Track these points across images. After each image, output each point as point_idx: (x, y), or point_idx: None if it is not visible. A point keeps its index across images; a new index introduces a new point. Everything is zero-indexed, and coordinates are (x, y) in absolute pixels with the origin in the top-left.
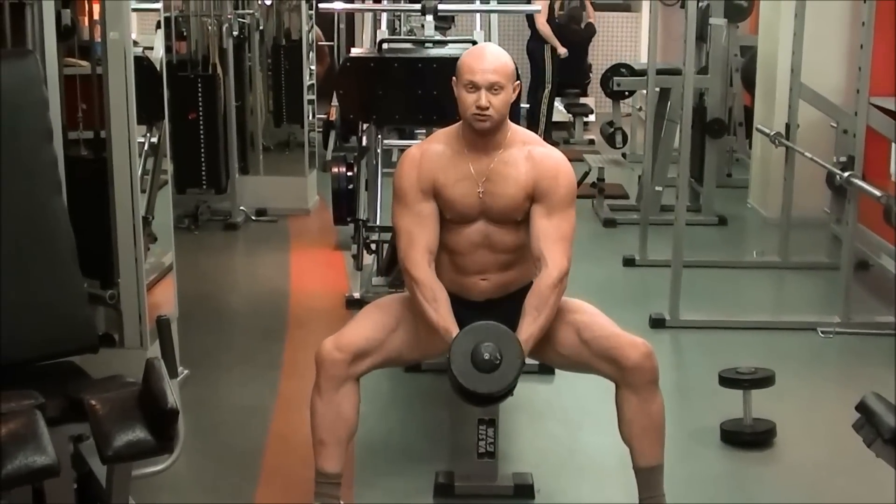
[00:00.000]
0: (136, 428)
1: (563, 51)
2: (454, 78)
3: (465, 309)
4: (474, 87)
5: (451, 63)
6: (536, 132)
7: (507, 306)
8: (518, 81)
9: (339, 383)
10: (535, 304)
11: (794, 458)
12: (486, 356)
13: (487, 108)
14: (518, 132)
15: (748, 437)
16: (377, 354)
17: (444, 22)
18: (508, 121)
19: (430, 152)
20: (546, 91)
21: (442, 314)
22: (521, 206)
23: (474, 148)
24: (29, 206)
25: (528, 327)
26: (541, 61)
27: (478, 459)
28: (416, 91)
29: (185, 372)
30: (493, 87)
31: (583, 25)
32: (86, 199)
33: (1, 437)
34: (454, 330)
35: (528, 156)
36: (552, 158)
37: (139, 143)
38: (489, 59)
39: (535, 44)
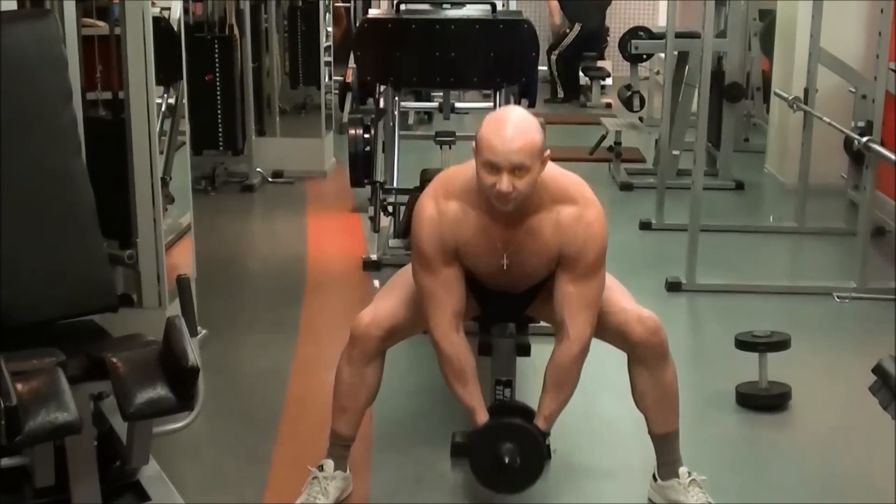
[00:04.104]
0: (157, 385)
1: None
2: (473, 147)
3: (485, 293)
4: (495, 168)
5: (469, 25)
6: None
7: (529, 290)
8: (548, 153)
9: (370, 358)
10: (557, 380)
11: (809, 420)
12: (507, 459)
13: (511, 193)
14: (548, 188)
15: (763, 400)
16: (410, 330)
17: None
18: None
19: (448, 213)
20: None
21: (468, 391)
22: (546, 273)
23: (497, 213)
24: (50, 167)
25: (551, 404)
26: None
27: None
28: (433, 53)
29: (204, 332)
30: (516, 169)
31: None
32: (104, 160)
33: (23, 395)
34: (479, 410)
35: (555, 222)
36: (581, 223)
37: (157, 104)
38: (512, 135)
39: None
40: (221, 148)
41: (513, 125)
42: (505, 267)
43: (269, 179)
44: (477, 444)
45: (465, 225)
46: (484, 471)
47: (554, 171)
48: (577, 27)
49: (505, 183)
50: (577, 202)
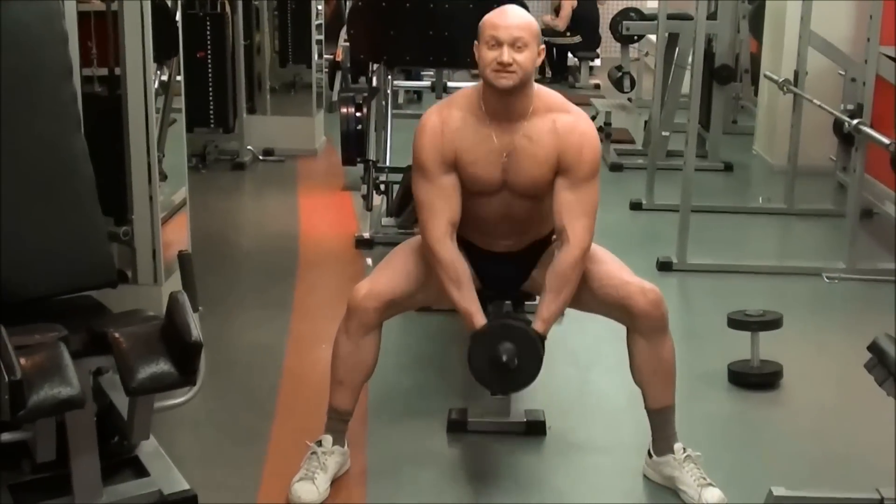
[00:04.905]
0: (159, 361)
1: None
2: (476, 41)
3: (482, 258)
4: (497, 42)
5: (463, 4)
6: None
7: (525, 256)
8: (543, 45)
9: (367, 330)
10: (557, 282)
11: (800, 398)
12: (504, 358)
13: (511, 64)
14: (542, 97)
15: (755, 379)
16: (407, 303)
17: None
18: (534, 85)
19: (450, 121)
20: None
21: (465, 295)
22: (544, 181)
23: (496, 116)
24: (51, 142)
25: (550, 306)
26: None
27: (491, 397)
28: (427, 31)
29: (200, 309)
30: (516, 43)
31: None
32: (99, 137)
33: (27, 369)
34: (476, 313)
35: (552, 128)
36: (577, 130)
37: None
38: (513, 15)
39: None
40: (212, 126)
41: (512, 9)
42: (504, 169)
43: (260, 157)
44: (476, 344)
45: (466, 130)
46: (482, 371)
47: (547, 89)
48: (577, 39)
49: (506, 54)
50: (571, 112)
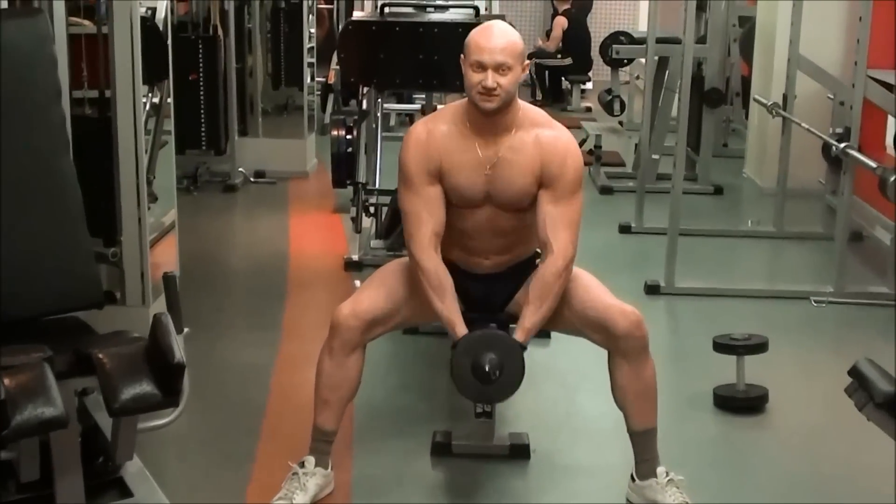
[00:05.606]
0: (143, 382)
1: None
2: (462, 56)
3: (467, 279)
4: (481, 66)
5: (452, 28)
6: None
7: (508, 277)
8: (527, 62)
9: (351, 349)
10: (540, 293)
11: (786, 422)
12: (487, 368)
13: (495, 89)
14: (528, 112)
15: (741, 402)
16: (390, 322)
17: None
18: (518, 101)
19: (436, 133)
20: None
21: (447, 305)
22: (528, 194)
23: (482, 130)
24: (39, 164)
25: (532, 316)
26: None
27: (475, 420)
28: (417, 55)
29: (186, 330)
30: (500, 68)
31: None
32: (89, 159)
33: (11, 389)
34: (458, 323)
35: (536, 140)
36: (561, 143)
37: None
38: (497, 38)
39: None
40: (204, 147)
41: (498, 30)
42: (488, 180)
43: (251, 179)
44: (459, 353)
45: (451, 141)
46: (465, 380)
47: (531, 105)
48: (568, 61)
49: (490, 79)
50: (554, 128)
